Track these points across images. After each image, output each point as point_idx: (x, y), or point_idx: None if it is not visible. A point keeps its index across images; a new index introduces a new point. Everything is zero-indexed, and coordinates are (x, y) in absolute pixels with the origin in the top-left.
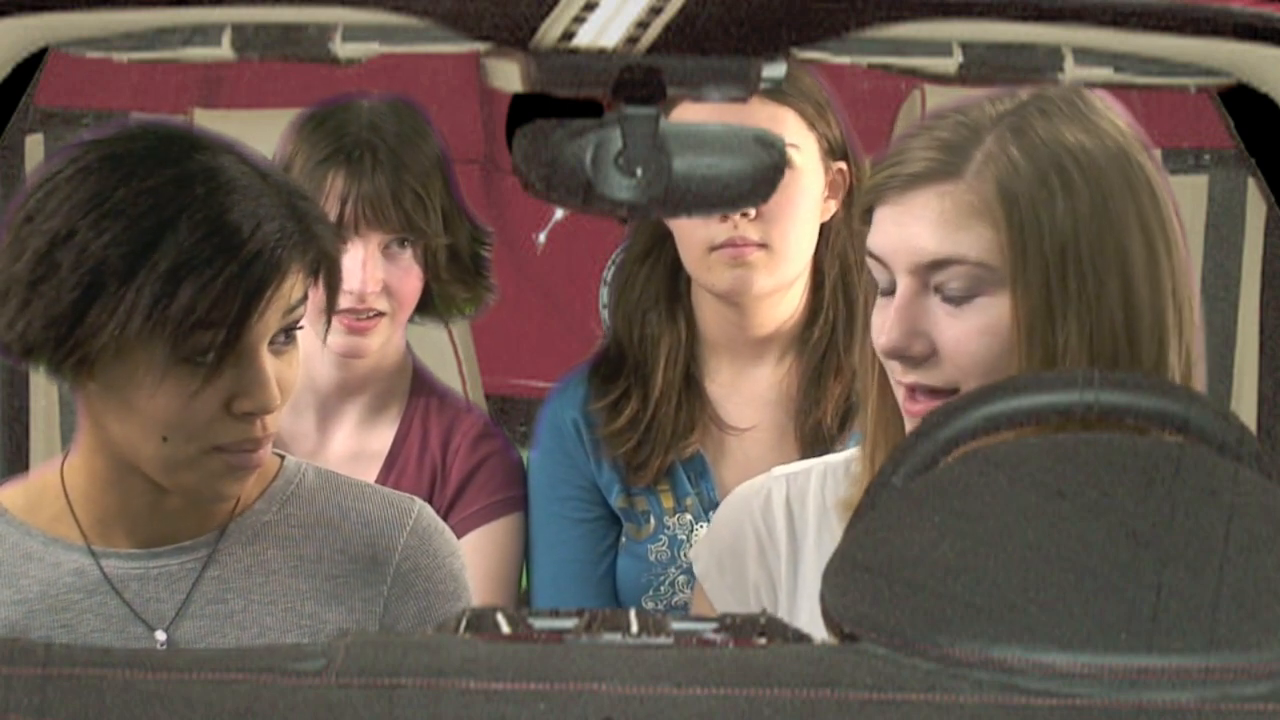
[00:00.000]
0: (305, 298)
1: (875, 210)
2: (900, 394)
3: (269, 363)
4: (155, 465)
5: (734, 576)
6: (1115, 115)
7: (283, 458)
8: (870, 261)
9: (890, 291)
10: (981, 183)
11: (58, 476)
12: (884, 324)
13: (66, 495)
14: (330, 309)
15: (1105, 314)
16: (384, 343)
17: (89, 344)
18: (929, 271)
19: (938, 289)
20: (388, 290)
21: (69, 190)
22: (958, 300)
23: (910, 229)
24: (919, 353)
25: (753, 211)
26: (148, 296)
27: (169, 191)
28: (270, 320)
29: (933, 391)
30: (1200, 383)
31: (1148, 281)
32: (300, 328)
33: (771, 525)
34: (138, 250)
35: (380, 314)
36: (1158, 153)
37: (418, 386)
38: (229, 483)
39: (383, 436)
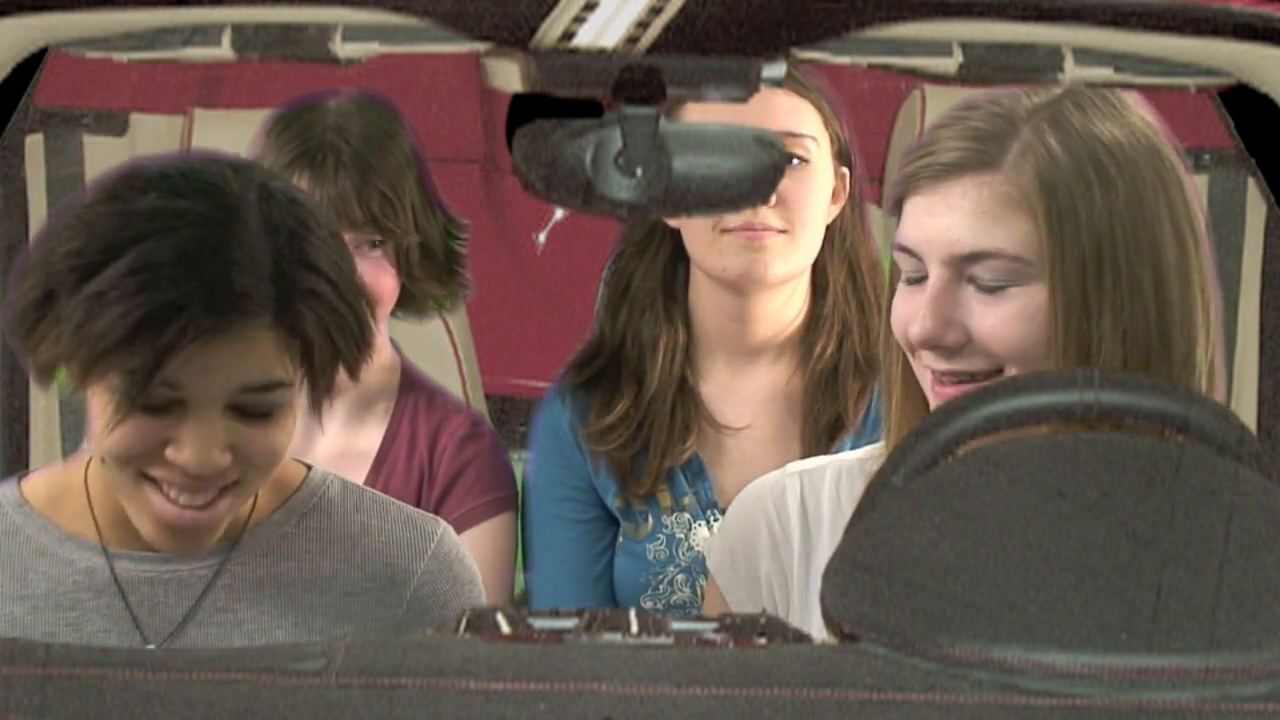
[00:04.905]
0: (288, 382)
1: (907, 201)
2: (927, 380)
3: (223, 424)
4: (108, 480)
5: (747, 570)
6: (1144, 112)
7: (309, 467)
8: (899, 253)
9: (917, 281)
10: (1019, 174)
11: (82, 474)
12: (915, 313)
13: (88, 494)
14: (315, 395)
15: (1139, 309)
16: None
17: (39, 352)
18: (964, 263)
19: (971, 279)
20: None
21: (70, 208)
22: (992, 290)
23: (945, 219)
24: (953, 341)
25: (773, 197)
26: (78, 316)
27: (140, 219)
28: (216, 381)
29: (971, 377)
30: (1220, 380)
31: (1179, 277)
32: (280, 405)
33: (785, 521)
34: (87, 265)
35: None
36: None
37: (406, 385)
38: (157, 528)
39: (371, 436)
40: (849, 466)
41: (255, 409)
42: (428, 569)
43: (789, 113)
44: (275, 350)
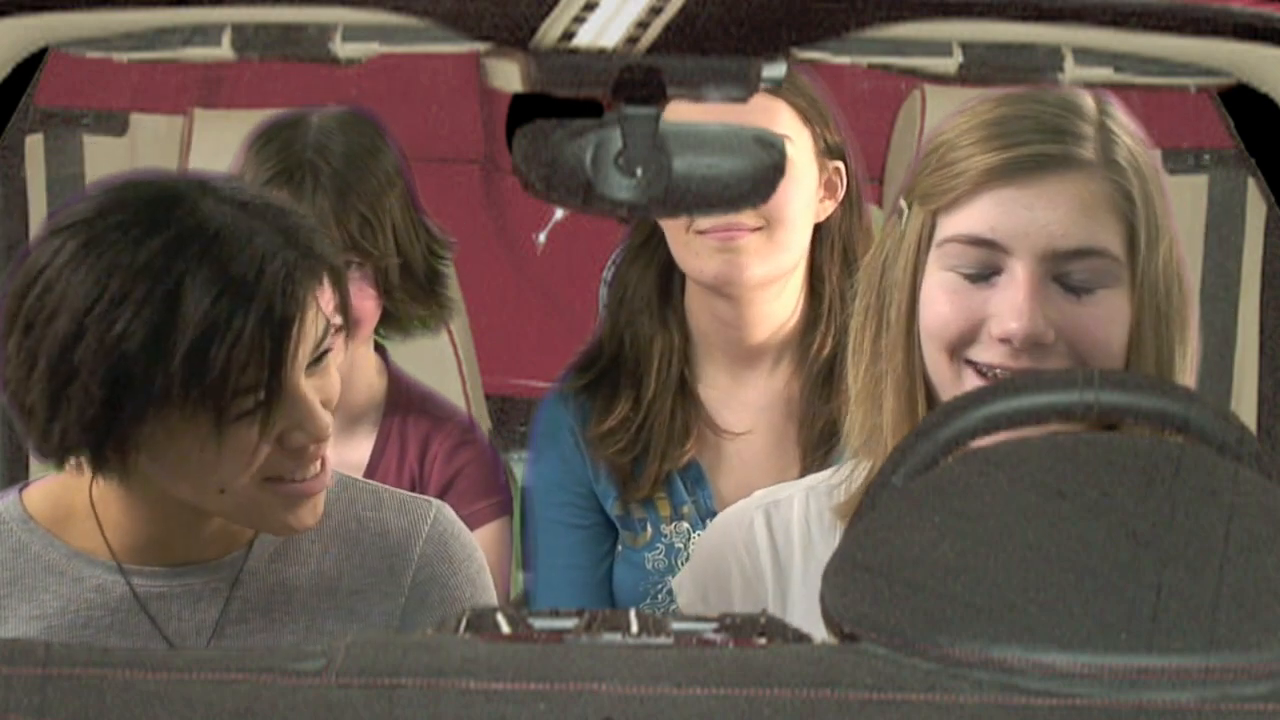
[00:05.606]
0: (329, 328)
1: (988, 192)
2: (969, 383)
3: (310, 391)
4: (217, 511)
5: (719, 608)
6: None
7: None
8: (965, 245)
9: (981, 277)
10: (1115, 173)
11: (86, 496)
12: (1002, 310)
13: (97, 516)
14: (345, 315)
15: (1188, 319)
16: (343, 362)
17: (133, 436)
18: (1062, 260)
19: (1058, 278)
20: (340, 311)
21: (62, 288)
22: (1079, 291)
23: (1047, 213)
24: (1050, 341)
25: None
26: (179, 376)
27: (161, 265)
28: (302, 356)
29: None
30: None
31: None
32: (329, 350)
33: (755, 556)
34: (153, 333)
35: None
36: (1157, 153)
37: (394, 397)
38: (292, 513)
39: (360, 450)
40: (816, 491)
41: (318, 361)
42: (424, 553)
43: (761, 111)
44: (318, 307)
